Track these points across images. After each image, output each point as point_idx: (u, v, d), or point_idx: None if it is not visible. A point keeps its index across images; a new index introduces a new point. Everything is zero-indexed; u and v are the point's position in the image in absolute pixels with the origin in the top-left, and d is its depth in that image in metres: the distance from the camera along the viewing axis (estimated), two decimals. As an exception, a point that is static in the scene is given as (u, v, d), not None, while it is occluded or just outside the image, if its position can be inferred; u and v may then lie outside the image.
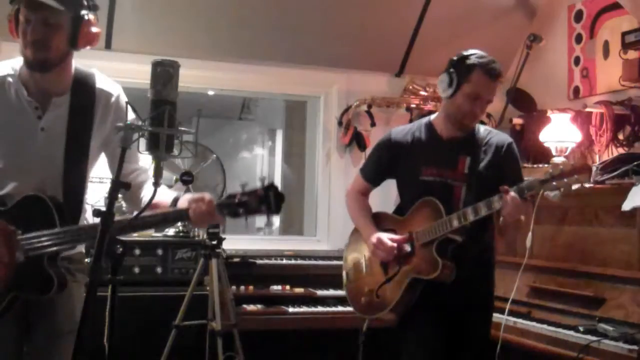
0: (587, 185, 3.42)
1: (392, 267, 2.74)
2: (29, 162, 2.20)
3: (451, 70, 2.65)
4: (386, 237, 2.71)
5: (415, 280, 2.63)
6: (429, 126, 2.79)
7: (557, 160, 3.76)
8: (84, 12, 2.19)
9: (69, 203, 2.19)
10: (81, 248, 2.35)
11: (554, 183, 2.33)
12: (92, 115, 2.26)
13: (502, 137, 2.76)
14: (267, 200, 2.03)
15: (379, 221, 2.87)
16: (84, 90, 2.26)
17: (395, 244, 2.69)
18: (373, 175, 2.92)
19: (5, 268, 2.12)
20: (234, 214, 2.06)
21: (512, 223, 2.54)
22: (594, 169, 3.49)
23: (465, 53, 2.67)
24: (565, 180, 2.31)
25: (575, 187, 3.19)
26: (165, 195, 2.24)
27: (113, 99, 2.31)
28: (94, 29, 2.22)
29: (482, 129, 2.76)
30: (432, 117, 2.82)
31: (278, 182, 6.72)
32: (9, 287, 2.13)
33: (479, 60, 2.61)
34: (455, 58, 2.68)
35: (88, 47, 2.24)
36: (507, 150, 2.71)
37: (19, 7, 2.16)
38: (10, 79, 2.23)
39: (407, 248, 2.68)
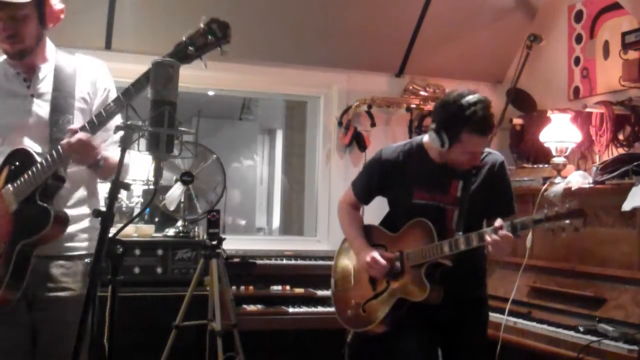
0: (587, 185, 3.42)
1: (381, 283, 2.72)
2: (23, 128, 2.33)
3: (441, 130, 2.54)
4: (379, 256, 2.68)
5: (403, 300, 2.62)
6: (421, 148, 2.73)
7: (558, 160, 3.76)
8: None
9: None
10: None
11: (548, 225, 2.34)
12: (74, 79, 2.39)
13: (493, 157, 2.72)
14: (212, 30, 2.06)
15: (370, 235, 2.84)
16: (66, 60, 2.42)
17: (388, 264, 2.67)
18: (363, 193, 2.89)
19: (3, 222, 2.23)
20: (185, 56, 2.05)
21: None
22: (593, 169, 3.49)
23: (451, 106, 2.52)
24: (559, 223, 2.31)
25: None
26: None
27: (94, 69, 2.45)
28: (58, 6, 2.36)
29: None
30: (424, 139, 2.73)
31: (278, 183, 6.76)
32: (13, 240, 2.21)
33: (470, 119, 2.48)
34: (441, 117, 2.55)
35: (55, 24, 2.37)
36: (499, 170, 2.69)
37: None
38: None
39: (398, 267, 2.67)
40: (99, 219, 1.84)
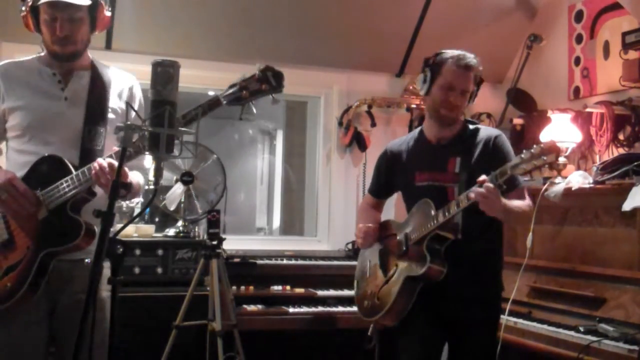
0: (587, 185, 3.42)
1: (391, 269, 2.78)
2: (53, 130, 2.33)
3: (425, 68, 2.77)
4: (362, 225, 2.87)
5: (409, 279, 2.64)
6: (420, 133, 2.86)
7: (560, 160, 3.76)
8: None
9: (85, 164, 2.25)
10: None
11: (524, 166, 2.33)
12: (109, 90, 2.42)
13: (489, 132, 2.76)
14: (266, 78, 2.15)
15: (386, 228, 2.92)
16: (102, 71, 2.45)
17: (368, 228, 2.82)
18: (375, 188, 3.04)
19: (28, 228, 2.23)
20: (239, 99, 2.16)
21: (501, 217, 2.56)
22: (594, 169, 3.49)
23: (438, 52, 2.76)
24: (534, 162, 2.31)
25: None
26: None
27: (128, 84, 2.49)
28: (107, 13, 2.42)
29: (470, 128, 2.77)
30: (423, 124, 2.88)
31: (278, 183, 6.76)
32: (38, 246, 2.21)
33: (450, 54, 2.71)
34: (430, 56, 2.79)
35: (101, 31, 2.46)
36: (495, 143, 2.70)
37: (34, 4, 2.29)
38: (32, 63, 2.42)
39: (403, 247, 2.72)
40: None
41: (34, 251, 2.22)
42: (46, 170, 2.25)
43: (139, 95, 2.50)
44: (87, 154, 2.29)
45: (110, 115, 2.39)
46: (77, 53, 2.36)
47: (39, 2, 2.27)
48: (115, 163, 2.13)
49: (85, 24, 2.34)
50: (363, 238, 2.86)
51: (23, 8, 2.33)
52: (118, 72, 2.51)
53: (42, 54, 2.42)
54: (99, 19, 2.39)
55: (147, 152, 2.14)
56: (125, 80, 2.49)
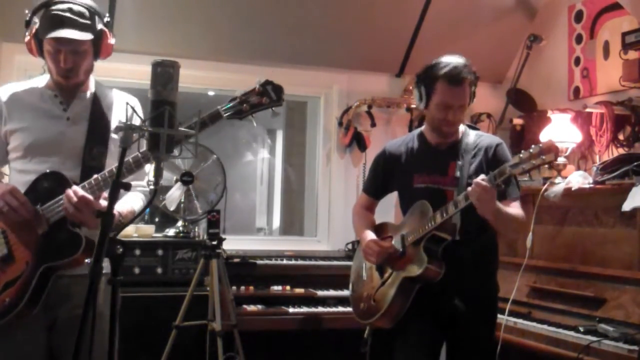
0: (587, 185, 3.42)
1: (387, 270, 2.77)
2: (54, 149, 2.33)
3: (419, 84, 2.71)
4: (373, 242, 2.78)
5: (406, 281, 2.64)
6: (421, 135, 2.84)
7: (558, 160, 3.76)
8: (100, 26, 2.34)
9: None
10: None
11: (523, 166, 2.33)
12: (111, 110, 2.43)
13: (491, 139, 2.76)
14: (267, 92, 2.19)
15: (381, 231, 2.91)
16: (104, 92, 2.47)
17: (382, 249, 2.74)
18: (371, 187, 3.00)
19: (28, 242, 2.22)
20: (239, 113, 2.19)
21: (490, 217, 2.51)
22: (594, 169, 3.49)
23: (430, 64, 2.69)
24: (533, 162, 2.31)
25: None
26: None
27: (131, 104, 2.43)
28: (111, 41, 2.40)
29: (472, 134, 2.77)
30: (424, 126, 2.86)
31: (278, 183, 6.76)
32: (38, 261, 2.21)
33: (441, 70, 2.62)
34: (421, 72, 2.73)
35: (105, 58, 2.43)
36: (496, 151, 2.70)
37: (38, 34, 2.29)
38: (35, 87, 2.43)
39: (399, 249, 2.71)
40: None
41: (33, 266, 2.21)
42: (47, 186, 2.25)
43: (139, 113, 2.50)
44: (89, 173, 2.28)
45: (112, 135, 2.39)
46: (81, 82, 2.38)
47: (44, 37, 2.27)
48: (89, 197, 2.16)
49: (89, 55, 2.35)
50: (376, 257, 2.76)
51: (27, 34, 2.33)
52: (120, 93, 2.52)
53: (45, 74, 2.43)
54: (102, 48, 2.38)
55: (139, 168, 2.19)
56: (126, 101, 2.47)
